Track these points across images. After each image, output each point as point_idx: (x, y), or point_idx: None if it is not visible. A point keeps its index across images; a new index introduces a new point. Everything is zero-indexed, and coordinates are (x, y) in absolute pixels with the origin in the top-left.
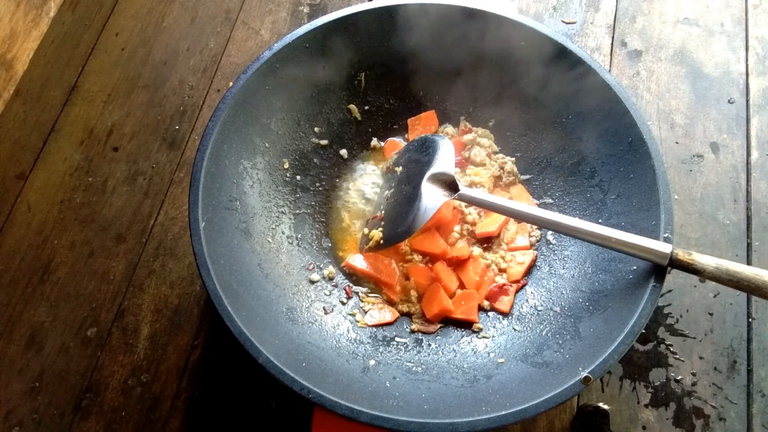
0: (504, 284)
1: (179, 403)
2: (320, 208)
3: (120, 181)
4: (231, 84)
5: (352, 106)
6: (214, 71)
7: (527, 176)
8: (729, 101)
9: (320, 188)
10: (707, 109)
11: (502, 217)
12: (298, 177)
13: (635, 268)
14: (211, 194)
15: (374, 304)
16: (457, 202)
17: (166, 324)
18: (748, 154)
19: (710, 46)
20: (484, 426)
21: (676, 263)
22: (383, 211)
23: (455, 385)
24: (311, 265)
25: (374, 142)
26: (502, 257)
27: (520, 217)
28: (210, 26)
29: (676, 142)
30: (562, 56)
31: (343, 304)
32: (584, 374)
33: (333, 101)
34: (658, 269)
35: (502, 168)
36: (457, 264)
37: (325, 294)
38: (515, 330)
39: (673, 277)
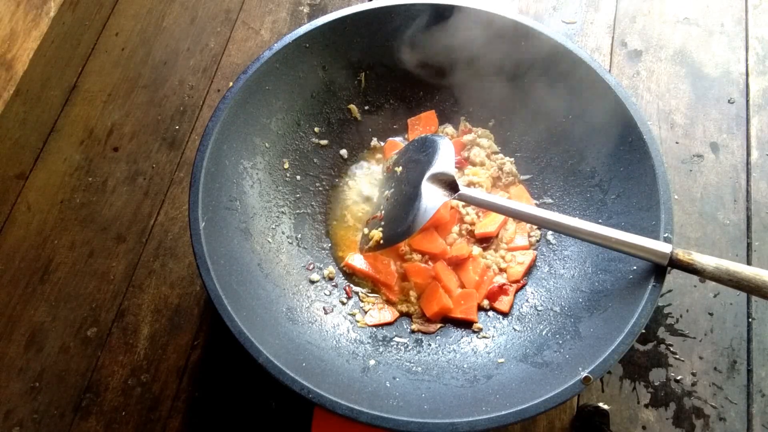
0: (504, 284)
1: (179, 403)
2: (320, 208)
3: (120, 181)
4: (231, 84)
5: (352, 106)
6: (214, 71)
7: (527, 176)
8: (729, 101)
9: (320, 188)
10: (707, 109)
11: (501, 218)
12: (298, 177)
13: (635, 268)
14: (211, 194)
15: (374, 304)
16: (455, 202)
17: (166, 324)
18: (748, 154)
19: (710, 46)
20: (484, 426)
21: (676, 263)
22: (383, 211)
23: (455, 385)
24: (311, 265)
25: (374, 142)
26: (502, 257)
27: (519, 217)
28: (210, 26)
29: (676, 142)
30: (561, 56)
31: (343, 304)
32: (584, 374)
33: (333, 101)
34: (658, 269)
35: (500, 169)
36: (457, 264)
37: (325, 294)
38: (515, 330)
39: (673, 277)
